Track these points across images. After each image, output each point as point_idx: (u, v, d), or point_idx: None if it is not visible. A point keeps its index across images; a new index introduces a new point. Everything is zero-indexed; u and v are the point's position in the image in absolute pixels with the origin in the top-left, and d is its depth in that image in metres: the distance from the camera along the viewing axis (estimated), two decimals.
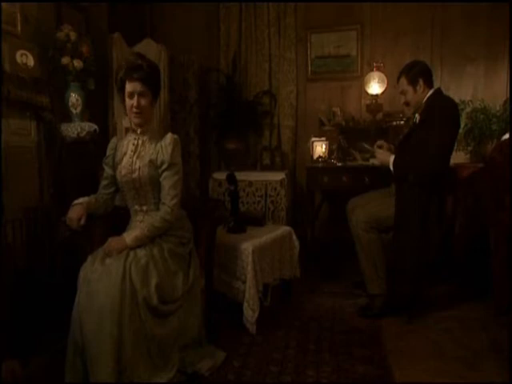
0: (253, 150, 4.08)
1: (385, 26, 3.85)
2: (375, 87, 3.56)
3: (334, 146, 3.54)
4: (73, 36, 2.72)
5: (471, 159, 3.45)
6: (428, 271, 2.64)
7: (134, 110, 1.92)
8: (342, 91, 3.98)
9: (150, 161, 1.95)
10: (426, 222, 2.47)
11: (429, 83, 2.59)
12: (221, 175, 3.58)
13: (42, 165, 2.65)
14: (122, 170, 1.99)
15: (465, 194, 3.21)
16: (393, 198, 2.58)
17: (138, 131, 2.01)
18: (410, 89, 2.58)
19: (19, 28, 2.50)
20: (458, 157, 3.38)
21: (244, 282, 2.37)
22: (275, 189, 3.58)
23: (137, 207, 2.02)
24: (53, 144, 2.70)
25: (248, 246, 2.39)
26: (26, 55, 2.50)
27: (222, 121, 3.92)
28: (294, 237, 2.82)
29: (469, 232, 3.18)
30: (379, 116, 3.63)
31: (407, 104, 2.64)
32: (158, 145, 1.97)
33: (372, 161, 3.24)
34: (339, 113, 3.76)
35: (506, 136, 3.08)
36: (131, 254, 1.81)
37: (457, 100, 3.33)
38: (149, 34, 3.96)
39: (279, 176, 3.61)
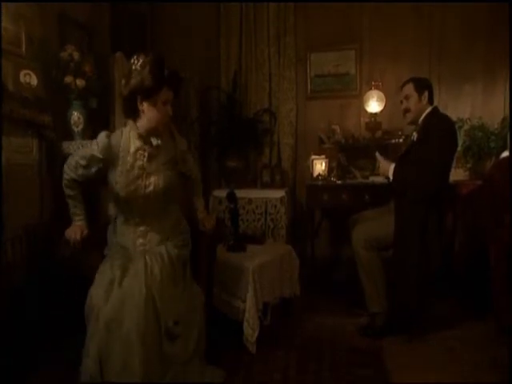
0: (253, 168, 4.10)
1: (383, 45, 3.91)
2: (374, 106, 3.60)
3: (334, 164, 3.56)
4: (76, 56, 2.77)
5: (470, 176, 3.46)
6: (428, 289, 2.63)
7: (166, 118, 1.85)
8: (341, 109, 4.02)
9: (169, 160, 1.91)
10: (425, 239, 2.47)
11: (430, 100, 2.64)
12: (221, 193, 3.59)
13: (43, 182, 2.66)
14: (130, 185, 1.84)
15: (464, 211, 3.22)
16: (392, 215, 2.58)
17: (154, 141, 1.87)
18: (415, 95, 2.61)
19: (23, 48, 2.56)
20: (458, 174, 3.40)
21: (244, 301, 2.36)
22: (275, 206, 3.59)
23: (138, 220, 1.92)
24: (54, 162, 2.71)
25: (248, 264, 2.39)
26: (29, 75, 2.54)
27: (222, 138, 3.95)
28: (294, 255, 2.82)
29: (469, 248, 3.18)
30: (378, 134, 3.66)
31: (407, 111, 2.65)
32: (170, 142, 1.95)
33: (372, 178, 3.26)
34: (339, 130, 3.79)
35: (505, 154, 3.10)
36: (148, 271, 1.78)
37: (455, 118, 3.38)
38: (150, 51, 4.00)
39: (279, 194, 3.62)
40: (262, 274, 2.45)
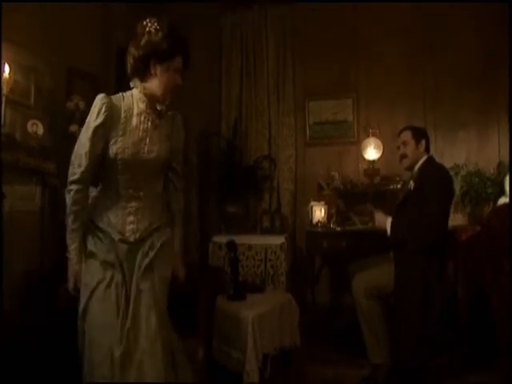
0: (253, 213, 4.13)
1: (379, 94, 4.04)
2: (372, 153, 3.68)
3: (333, 210, 3.59)
4: (81, 105, 2.86)
5: (469, 221, 3.48)
6: (432, 340, 2.59)
7: (176, 86, 1.74)
8: (339, 155, 4.10)
9: (167, 135, 1.80)
10: (426, 289, 2.46)
11: (427, 148, 2.71)
12: (221, 238, 3.59)
13: (45, 229, 2.68)
14: (131, 147, 1.68)
15: (465, 258, 3.21)
16: (392, 264, 2.58)
17: (159, 106, 1.75)
18: (412, 142, 2.67)
19: (32, 100, 2.66)
20: (457, 219, 3.42)
21: (244, 352, 2.31)
22: (275, 252, 3.58)
23: (131, 191, 1.73)
24: (57, 208, 2.74)
25: (248, 314, 2.36)
26: (36, 124, 2.62)
27: (222, 184, 4.00)
28: (294, 304, 2.79)
29: (472, 296, 3.14)
30: (377, 180, 3.72)
31: (404, 156, 2.71)
32: (170, 120, 1.83)
33: (371, 224, 3.27)
34: (337, 177, 3.85)
35: (502, 200, 3.14)
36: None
37: (451, 164, 3.47)
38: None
39: (279, 240, 3.62)
40: (261, 324, 2.41)
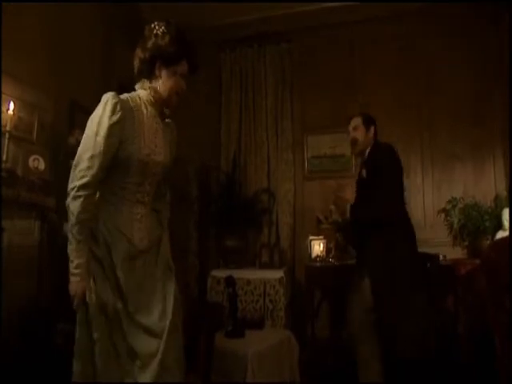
0: (252, 247, 4.11)
1: (377, 129, 4.09)
2: None
3: (332, 244, 3.59)
4: None
5: (468, 254, 3.45)
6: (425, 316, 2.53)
7: (181, 92, 1.73)
8: (338, 189, 4.11)
9: (169, 141, 1.77)
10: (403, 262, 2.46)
11: (376, 135, 2.78)
12: (220, 273, 3.56)
13: (42, 263, 2.66)
14: (144, 148, 1.63)
15: (465, 292, 3.18)
16: None
17: (167, 111, 1.77)
18: (362, 128, 2.75)
19: (35, 135, 2.69)
20: (456, 252, 3.42)
21: None
22: (274, 287, 3.55)
23: (139, 197, 1.66)
24: (54, 243, 2.73)
25: (246, 352, 2.32)
26: (37, 160, 2.66)
27: (221, 218, 4.00)
28: (294, 341, 2.75)
29: (473, 331, 3.09)
30: None
31: (355, 141, 2.76)
32: (169, 127, 1.81)
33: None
34: (335, 210, 3.85)
35: (500, 234, 3.14)
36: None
37: (448, 196, 3.49)
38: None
39: (278, 274, 3.59)
40: (260, 361, 2.38)
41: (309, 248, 3.65)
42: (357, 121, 2.80)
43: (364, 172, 2.71)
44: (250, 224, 4.04)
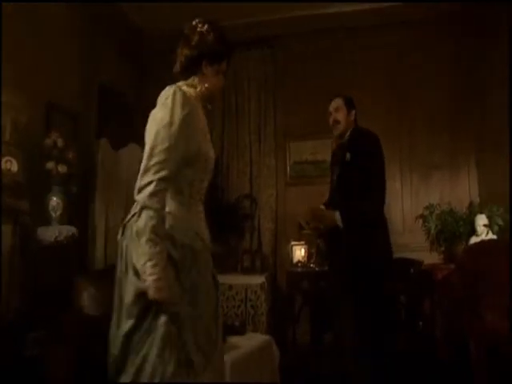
0: (234, 252, 4.06)
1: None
2: None
3: (313, 250, 3.57)
4: (60, 143, 2.82)
5: (445, 259, 3.51)
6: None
7: (221, 90, 1.78)
8: (319, 195, 4.11)
9: None
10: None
11: (356, 119, 2.74)
12: None
13: (14, 270, 2.55)
14: (206, 144, 1.60)
15: (441, 297, 3.20)
16: None
17: (209, 106, 1.74)
18: (344, 109, 2.69)
19: (8, 135, 2.59)
20: (433, 257, 3.48)
21: None
22: (255, 292, 3.51)
23: (201, 194, 1.60)
24: (27, 248, 2.63)
25: (227, 359, 2.26)
26: (10, 161, 2.55)
27: None
28: (275, 347, 2.71)
29: (450, 336, 3.10)
30: None
31: (337, 122, 2.68)
32: None
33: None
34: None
35: (474, 239, 3.19)
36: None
37: (426, 203, 3.57)
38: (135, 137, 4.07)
39: (259, 279, 3.56)
40: (241, 368, 2.33)
41: (290, 253, 3.63)
42: (338, 102, 2.73)
43: (348, 155, 2.62)
44: (231, 229, 4.00)
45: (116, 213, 3.35)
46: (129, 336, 1.39)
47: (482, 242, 3.05)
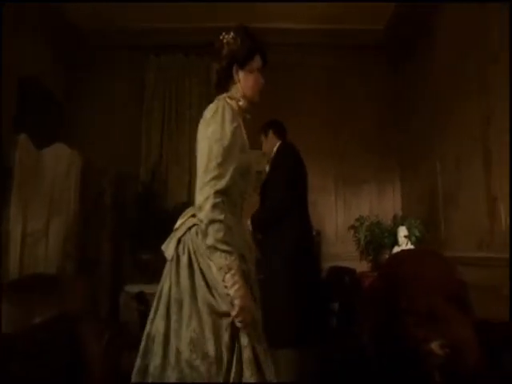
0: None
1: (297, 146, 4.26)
2: None
3: None
4: None
5: (372, 268, 3.72)
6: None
7: (261, 86, 1.75)
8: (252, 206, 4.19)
9: None
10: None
11: (278, 135, 2.94)
12: (134, 288, 3.41)
13: None
14: (251, 157, 1.63)
15: (367, 306, 3.35)
16: None
17: (248, 116, 1.74)
18: (263, 138, 2.95)
19: None
20: (362, 265, 3.70)
21: None
22: None
23: (239, 209, 1.63)
24: None
25: None
26: None
27: (137, 229, 3.84)
28: None
29: (379, 344, 3.25)
30: None
31: (265, 151, 2.97)
32: None
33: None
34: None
35: (396, 249, 3.42)
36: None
37: (357, 215, 3.80)
38: (62, 136, 3.82)
39: None
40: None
41: None
42: (259, 136, 2.95)
43: (267, 168, 2.89)
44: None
45: (36, 218, 3.04)
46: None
47: (402, 251, 3.26)
